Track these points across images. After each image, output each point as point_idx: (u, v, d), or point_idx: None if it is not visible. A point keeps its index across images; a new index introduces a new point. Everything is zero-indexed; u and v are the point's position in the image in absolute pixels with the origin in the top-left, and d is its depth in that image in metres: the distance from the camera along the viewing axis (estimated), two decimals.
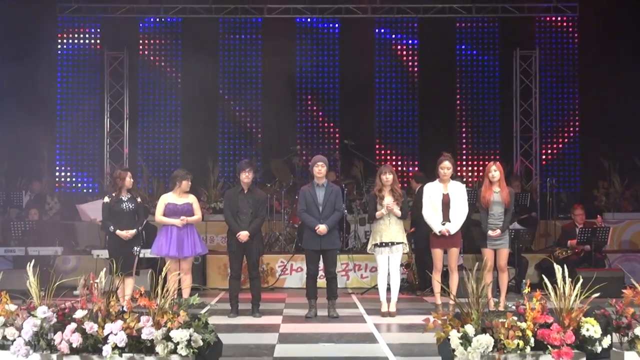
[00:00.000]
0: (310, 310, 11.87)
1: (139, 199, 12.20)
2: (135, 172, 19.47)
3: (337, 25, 21.34)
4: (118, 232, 11.82)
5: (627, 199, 19.05)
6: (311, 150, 19.66)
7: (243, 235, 11.77)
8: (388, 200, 11.85)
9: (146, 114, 21.08)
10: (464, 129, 21.44)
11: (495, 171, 11.93)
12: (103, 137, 20.23)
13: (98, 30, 21.09)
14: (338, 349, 9.22)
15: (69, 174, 20.92)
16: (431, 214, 12.01)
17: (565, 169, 21.13)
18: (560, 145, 21.22)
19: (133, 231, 11.88)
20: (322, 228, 11.64)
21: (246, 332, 10.52)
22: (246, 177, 11.91)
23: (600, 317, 7.96)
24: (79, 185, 20.85)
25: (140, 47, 21.17)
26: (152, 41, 21.27)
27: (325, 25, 21.38)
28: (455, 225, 11.91)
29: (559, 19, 21.29)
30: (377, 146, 21.19)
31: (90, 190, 20.26)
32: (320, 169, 11.82)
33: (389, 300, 12.02)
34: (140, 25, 21.17)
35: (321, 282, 12.25)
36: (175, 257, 11.82)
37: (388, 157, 20.80)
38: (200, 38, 20.55)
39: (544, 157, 20.79)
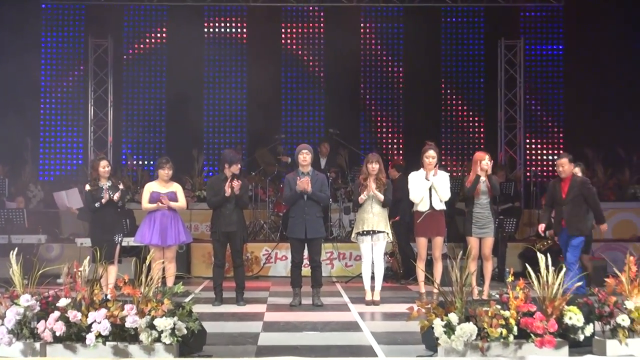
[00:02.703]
0: (294, 299, 11.88)
1: (120, 186, 12.16)
2: (119, 160, 19.49)
3: (322, 14, 21.31)
4: (105, 195, 11.79)
5: (610, 189, 19.15)
6: (296, 139, 19.63)
7: (236, 183, 11.75)
8: (372, 186, 11.86)
9: (130, 102, 21.03)
10: (448, 118, 21.46)
11: (489, 160, 12.05)
12: (87, 125, 20.14)
13: (82, 17, 20.99)
14: (322, 337, 9.23)
15: (52, 161, 20.84)
16: (418, 195, 12.02)
17: (549, 158, 21.20)
18: (544, 135, 21.27)
19: (118, 193, 11.84)
20: (305, 178, 11.66)
21: (230, 321, 10.51)
22: (237, 169, 11.93)
23: (583, 305, 8.01)
24: (63, 173, 20.75)
25: (125, 34, 21.10)
26: (136, 28, 21.20)
27: (311, 14, 21.35)
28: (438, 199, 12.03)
29: (544, 8, 21.31)
30: (361, 135, 21.21)
31: (75, 179, 20.16)
32: (305, 156, 11.84)
33: (373, 288, 12.03)
34: (125, 12, 21.08)
35: (306, 270, 12.26)
36: (159, 245, 11.81)
37: (372, 146, 20.79)
38: (186, 25, 20.47)
39: (527, 146, 20.83)
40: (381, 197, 11.82)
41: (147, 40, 21.18)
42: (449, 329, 7.52)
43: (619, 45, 20.11)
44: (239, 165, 12.03)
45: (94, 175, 12.00)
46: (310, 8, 21.22)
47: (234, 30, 21.29)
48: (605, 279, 8.35)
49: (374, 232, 11.88)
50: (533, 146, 21.14)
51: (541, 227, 12.47)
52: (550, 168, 21.06)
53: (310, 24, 21.38)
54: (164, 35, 21.16)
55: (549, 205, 12.48)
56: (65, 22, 21.02)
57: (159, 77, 21.15)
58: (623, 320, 7.86)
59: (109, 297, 7.90)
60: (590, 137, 19.69)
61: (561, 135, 21.27)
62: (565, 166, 12.04)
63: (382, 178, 11.96)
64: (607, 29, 19.91)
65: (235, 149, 17.24)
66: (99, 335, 7.61)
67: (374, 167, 11.88)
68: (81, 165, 20.23)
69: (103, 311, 7.68)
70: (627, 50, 20.38)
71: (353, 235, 12.14)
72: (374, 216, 11.87)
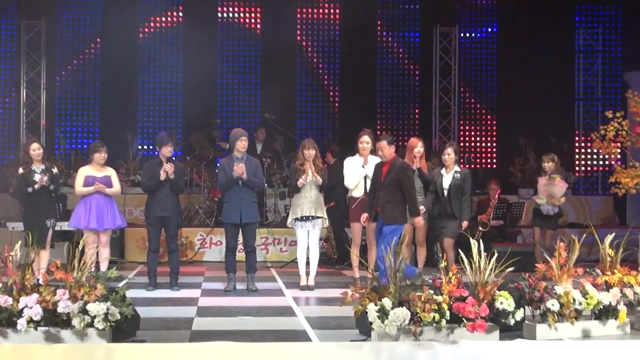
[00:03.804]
0: (229, 284, 11.88)
1: (54, 170, 12.04)
2: (52, 144, 19.22)
3: None
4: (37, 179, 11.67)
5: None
6: (232, 124, 19.55)
7: (169, 167, 11.68)
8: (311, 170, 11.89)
9: (64, 85, 20.70)
10: (383, 105, 21.54)
11: (421, 147, 12.16)
12: (19, 108, 19.82)
13: None
14: (256, 322, 9.25)
15: None
16: (353, 181, 12.10)
17: (483, 145, 21.42)
18: (478, 122, 21.49)
19: (46, 178, 11.72)
20: (240, 164, 11.63)
21: (164, 306, 10.48)
22: (169, 151, 11.86)
23: (514, 290, 8.14)
24: None
25: (59, 15, 20.76)
26: (70, 10, 20.86)
27: None
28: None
29: None
30: (297, 120, 21.20)
31: (7, 162, 19.85)
32: (244, 143, 11.82)
33: (307, 273, 12.09)
34: None
35: (240, 255, 12.26)
36: (95, 229, 11.73)
37: (308, 132, 20.79)
38: (121, 7, 20.21)
39: (461, 133, 21.02)
40: (320, 180, 11.85)
41: (82, 23, 20.87)
42: (383, 313, 7.59)
43: (552, 35, 20.41)
44: (170, 147, 11.91)
45: (26, 159, 11.87)
46: None
47: (170, 12, 21.08)
48: (536, 265, 8.49)
49: (312, 217, 11.93)
50: (467, 133, 21.34)
51: (363, 217, 11.50)
52: (484, 155, 21.34)
53: (247, 8, 21.27)
54: (99, 16, 20.85)
55: (371, 190, 11.41)
56: None
57: (93, 59, 20.84)
58: (553, 305, 8.00)
59: (40, 281, 7.83)
60: (522, 124, 19.97)
61: (494, 122, 21.51)
62: (385, 149, 11.16)
63: (319, 163, 12.01)
64: (540, 18, 20.23)
65: (170, 133, 17.12)
66: (30, 321, 7.54)
67: (310, 152, 11.91)
68: (13, 149, 19.94)
69: (35, 296, 7.61)
70: (558, 39, 20.70)
71: (290, 220, 12.15)
72: (312, 202, 11.91)
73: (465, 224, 11.97)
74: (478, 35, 21.56)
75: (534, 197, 14.14)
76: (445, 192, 12.01)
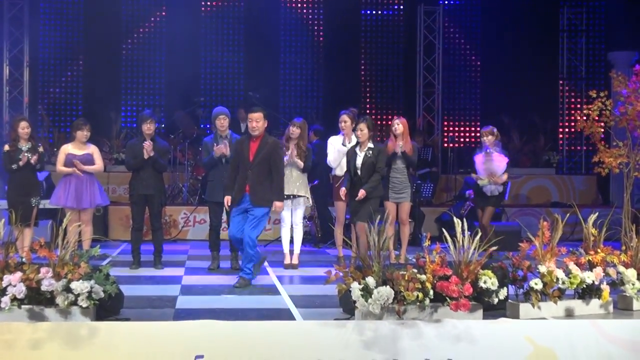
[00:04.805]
0: (212, 262, 11.89)
1: (40, 148, 11.99)
2: (35, 122, 19.11)
3: None
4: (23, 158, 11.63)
5: (525, 155, 19.51)
6: (215, 102, 19.48)
7: (147, 144, 11.60)
8: (293, 153, 11.87)
9: (47, 62, 20.57)
10: (367, 83, 21.50)
11: (398, 124, 12.11)
12: (2, 85, 19.71)
13: None
14: (240, 301, 9.26)
15: None
16: (335, 159, 12.12)
17: (467, 124, 21.43)
18: (462, 101, 21.48)
19: (35, 156, 11.72)
20: (221, 145, 11.60)
21: (148, 284, 10.47)
22: (148, 128, 11.78)
23: (498, 269, 8.16)
24: None
25: None
26: None
27: None
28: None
29: None
30: (281, 99, 21.14)
31: None
32: (222, 122, 11.78)
33: (291, 252, 12.10)
34: None
35: (224, 234, 12.25)
36: (73, 208, 11.70)
37: (292, 111, 20.74)
38: None
39: (445, 112, 21.02)
40: (301, 163, 11.86)
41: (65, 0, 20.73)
42: (366, 292, 7.59)
43: (536, 15, 20.42)
44: (149, 125, 11.78)
45: (13, 136, 11.81)
46: None
47: None
48: (520, 244, 8.51)
49: (294, 196, 11.93)
50: (451, 112, 21.32)
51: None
52: (468, 134, 21.35)
53: None
54: None
55: (234, 167, 10.42)
56: None
57: (76, 37, 20.71)
58: (536, 284, 8.03)
59: (24, 260, 7.80)
60: (506, 104, 19.99)
61: (478, 101, 21.51)
62: (260, 122, 10.04)
63: (302, 145, 11.98)
64: None
65: (153, 111, 17.07)
66: (14, 299, 7.51)
67: (294, 130, 11.90)
68: None
69: (18, 274, 7.58)
70: (542, 18, 20.71)
71: None
72: (294, 181, 11.90)
73: (362, 192, 11.06)
74: (462, 13, 21.49)
75: (474, 176, 13.43)
76: (359, 172, 11.31)
